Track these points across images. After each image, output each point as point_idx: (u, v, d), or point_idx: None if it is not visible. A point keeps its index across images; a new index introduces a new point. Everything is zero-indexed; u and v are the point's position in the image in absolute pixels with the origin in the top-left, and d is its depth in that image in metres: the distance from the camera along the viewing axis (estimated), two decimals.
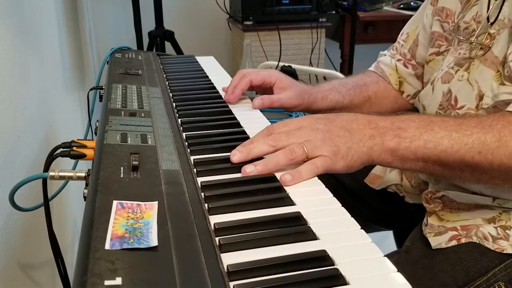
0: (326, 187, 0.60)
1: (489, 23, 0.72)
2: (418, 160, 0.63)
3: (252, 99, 0.93)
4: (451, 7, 0.83)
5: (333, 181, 0.62)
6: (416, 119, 0.65)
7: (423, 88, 0.94)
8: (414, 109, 0.96)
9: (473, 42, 0.73)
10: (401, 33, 0.99)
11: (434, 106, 0.78)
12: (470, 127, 0.62)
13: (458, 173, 0.64)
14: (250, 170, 0.61)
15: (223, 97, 0.92)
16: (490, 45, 0.71)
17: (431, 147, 0.62)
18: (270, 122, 0.82)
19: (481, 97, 0.70)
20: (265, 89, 0.93)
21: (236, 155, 0.63)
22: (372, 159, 0.64)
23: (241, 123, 0.79)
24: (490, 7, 0.73)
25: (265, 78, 0.91)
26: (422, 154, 0.63)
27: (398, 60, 0.97)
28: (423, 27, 0.91)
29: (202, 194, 0.55)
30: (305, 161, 0.62)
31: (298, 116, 1.54)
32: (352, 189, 0.94)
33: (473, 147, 0.60)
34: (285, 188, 0.58)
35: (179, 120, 0.78)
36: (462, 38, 0.77)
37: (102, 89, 0.93)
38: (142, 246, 0.42)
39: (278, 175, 0.61)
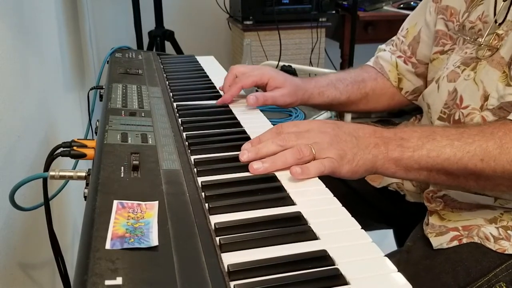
0: (327, 184, 0.60)
1: (497, 24, 0.72)
2: (422, 169, 0.64)
3: None
4: (455, 6, 0.83)
5: (334, 179, 0.63)
6: (418, 130, 0.66)
7: (423, 85, 0.94)
8: (414, 106, 0.96)
9: (482, 44, 0.73)
10: (401, 28, 0.98)
11: (439, 105, 0.78)
12: (471, 135, 0.62)
13: (463, 182, 0.64)
14: (257, 167, 0.61)
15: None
16: (498, 46, 0.71)
17: (434, 156, 0.62)
18: (270, 122, 0.82)
19: (486, 97, 0.70)
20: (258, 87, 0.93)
21: (245, 155, 0.63)
22: (376, 167, 0.64)
23: (241, 123, 0.79)
24: (498, 8, 0.73)
25: (256, 81, 0.89)
26: (425, 163, 0.63)
27: (399, 56, 0.96)
28: (426, 24, 0.90)
29: (203, 193, 0.55)
30: None
31: (298, 115, 1.55)
32: (353, 187, 0.94)
33: (476, 155, 0.61)
34: (286, 187, 0.58)
35: (179, 119, 0.78)
36: (469, 38, 0.77)
37: (102, 88, 0.93)
38: (142, 245, 0.42)
39: (279, 175, 0.61)
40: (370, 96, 0.97)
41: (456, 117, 0.74)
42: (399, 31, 0.98)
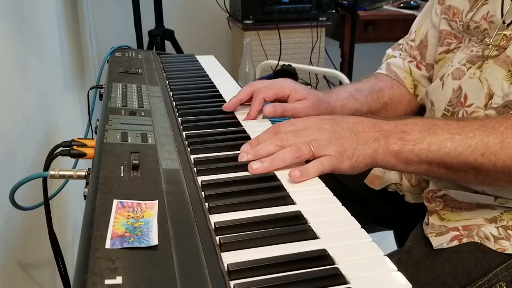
0: (326, 186, 0.60)
1: (505, 24, 0.72)
2: (422, 163, 0.64)
3: None
4: (458, 6, 0.82)
5: (333, 181, 0.62)
6: (419, 123, 0.65)
7: None
8: (422, 108, 0.95)
9: (490, 44, 0.73)
10: (409, 32, 0.96)
11: (443, 103, 0.78)
12: (473, 130, 0.62)
13: (462, 176, 0.64)
14: (256, 167, 0.61)
15: (225, 99, 0.91)
16: (506, 46, 0.70)
17: (435, 149, 0.62)
18: (270, 121, 0.82)
19: (490, 96, 0.69)
20: (279, 101, 0.87)
21: (244, 158, 0.63)
22: (376, 161, 0.64)
23: (241, 122, 0.79)
24: (505, 8, 0.72)
25: (277, 93, 0.84)
26: (425, 156, 0.63)
27: (410, 61, 0.94)
28: (433, 26, 0.89)
29: (202, 193, 0.55)
30: (310, 160, 0.62)
31: None
32: (352, 190, 0.94)
33: (476, 149, 0.61)
34: (285, 187, 0.58)
35: (179, 119, 0.78)
36: (475, 39, 0.76)
37: (102, 88, 0.93)
38: (142, 245, 0.42)
39: (279, 174, 0.61)
40: (389, 106, 0.95)
41: (460, 115, 0.74)
42: (407, 36, 0.97)
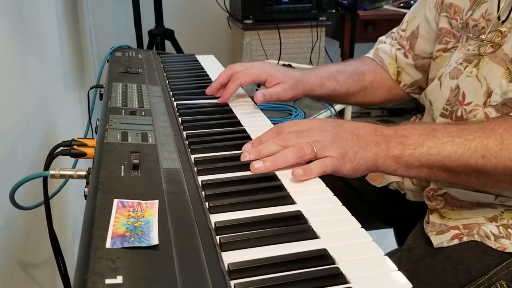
0: (327, 183, 0.60)
1: (500, 21, 0.72)
2: (423, 166, 0.64)
3: (252, 97, 0.92)
4: (459, 4, 0.83)
5: (335, 178, 0.63)
6: (418, 127, 0.66)
7: (422, 78, 0.95)
8: (413, 105, 0.96)
9: (484, 40, 0.73)
10: (402, 21, 0.98)
11: (441, 102, 0.78)
12: (472, 132, 0.62)
13: (464, 179, 0.64)
14: (258, 166, 0.61)
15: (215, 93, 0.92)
16: (501, 43, 0.71)
17: (435, 153, 0.62)
18: (270, 121, 0.82)
19: (489, 94, 0.70)
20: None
21: (246, 157, 0.64)
22: (377, 165, 0.64)
23: (241, 122, 0.79)
24: (501, 5, 0.73)
25: (254, 78, 0.90)
26: (426, 160, 0.63)
27: (398, 49, 0.96)
28: (426, 19, 0.91)
29: (203, 192, 0.55)
30: (312, 161, 0.62)
31: (298, 114, 1.55)
32: (354, 186, 0.94)
33: (476, 151, 0.61)
34: (286, 186, 0.58)
35: (180, 118, 0.78)
36: (471, 36, 0.77)
37: (102, 87, 0.93)
38: (142, 244, 0.42)
39: (279, 174, 0.61)
40: (368, 89, 0.98)
41: (459, 114, 0.74)
42: (400, 24, 0.99)
